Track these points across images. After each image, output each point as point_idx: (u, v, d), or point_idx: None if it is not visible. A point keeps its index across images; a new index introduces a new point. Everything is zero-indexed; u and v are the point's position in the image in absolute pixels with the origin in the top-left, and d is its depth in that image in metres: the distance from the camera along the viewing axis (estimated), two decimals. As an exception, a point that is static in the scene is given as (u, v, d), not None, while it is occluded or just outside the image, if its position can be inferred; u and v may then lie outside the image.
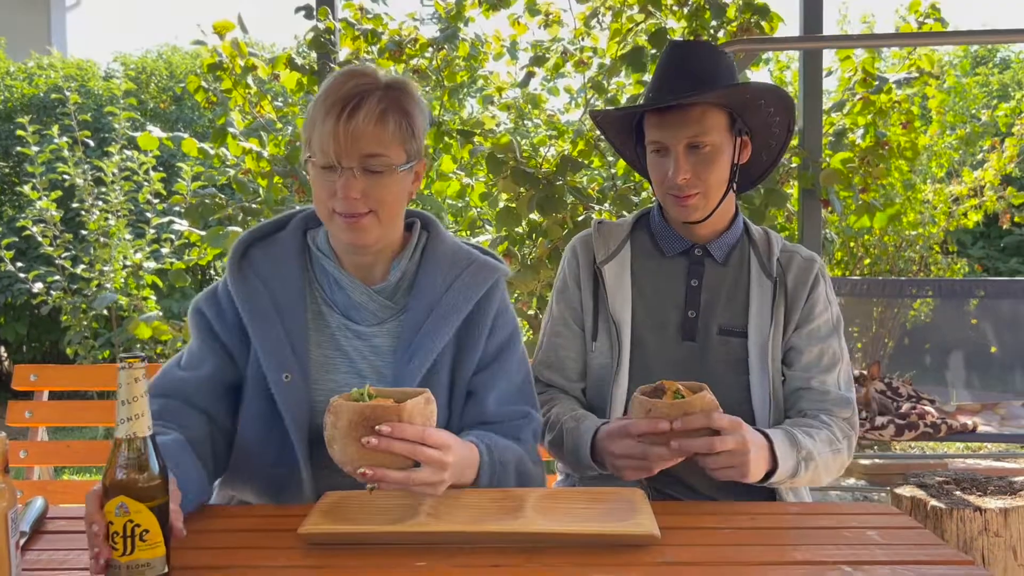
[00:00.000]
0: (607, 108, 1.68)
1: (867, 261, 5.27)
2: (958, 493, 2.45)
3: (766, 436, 1.49)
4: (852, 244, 5.23)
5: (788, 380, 1.69)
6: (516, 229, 3.77)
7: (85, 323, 5.60)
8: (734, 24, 3.78)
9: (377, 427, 1.19)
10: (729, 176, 1.68)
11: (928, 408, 3.44)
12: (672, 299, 1.72)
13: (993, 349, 3.95)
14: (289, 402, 1.46)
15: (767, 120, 1.71)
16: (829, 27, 3.70)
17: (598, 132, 3.96)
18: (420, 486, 1.24)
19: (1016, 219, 5.34)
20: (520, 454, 1.48)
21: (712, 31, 3.82)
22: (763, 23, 3.73)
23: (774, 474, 1.49)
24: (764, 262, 1.72)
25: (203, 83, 3.98)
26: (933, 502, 2.34)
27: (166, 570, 1.09)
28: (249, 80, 3.96)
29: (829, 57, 4.83)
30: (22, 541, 1.22)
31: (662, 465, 1.43)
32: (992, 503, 2.32)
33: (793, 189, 3.82)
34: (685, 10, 3.88)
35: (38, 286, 5.65)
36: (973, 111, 6.22)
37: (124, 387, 1.06)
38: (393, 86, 1.47)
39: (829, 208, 3.79)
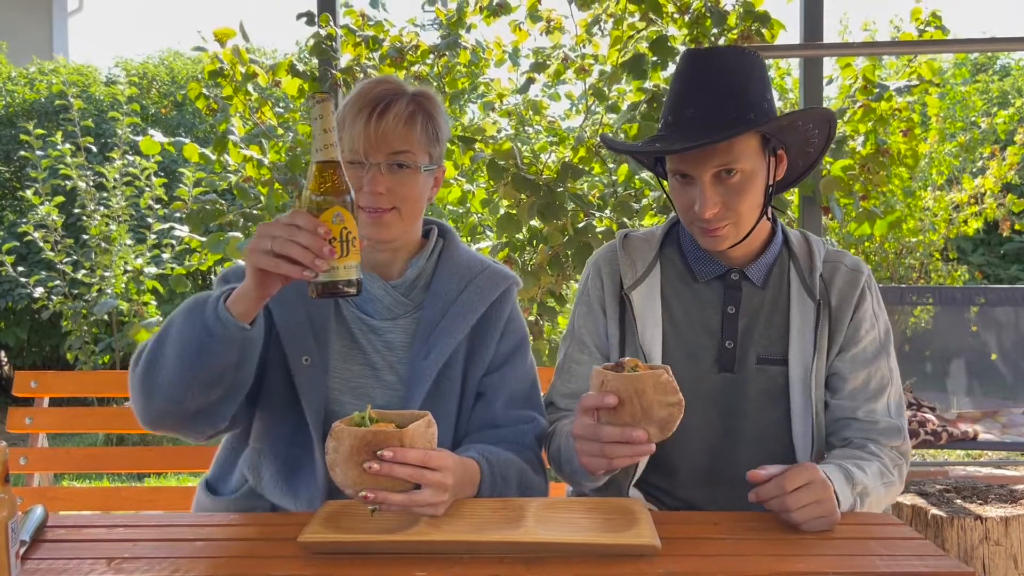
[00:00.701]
0: (619, 141, 1.59)
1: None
2: (959, 501, 2.45)
3: (829, 481, 1.36)
4: (853, 251, 5.23)
5: (832, 408, 1.57)
6: (517, 235, 3.78)
7: (86, 328, 5.61)
8: (735, 32, 3.79)
9: (379, 452, 1.19)
10: (764, 199, 1.53)
11: (929, 415, 3.44)
12: (707, 328, 1.60)
13: (994, 356, 3.95)
14: (306, 385, 1.50)
15: (805, 135, 1.56)
16: (830, 35, 3.71)
17: (598, 138, 3.97)
18: (422, 507, 1.25)
19: (1016, 226, 5.35)
20: (522, 467, 1.48)
21: (713, 38, 3.83)
22: (764, 30, 3.73)
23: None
24: (805, 278, 1.59)
25: (204, 90, 3.99)
26: (934, 510, 2.34)
27: (362, 275, 1.28)
28: (250, 87, 3.97)
29: (830, 65, 4.85)
30: (22, 550, 1.22)
31: (621, 455, 1.28)
32: (993, 512, 2.31)
33: (794, 196, 3.82)
34: (686, 17, 3.89)
35: (39, 291, 5.66)
36: (973, 118, 6.23)
37: (321, 118, 1.22)
38: (420, 93, 1.54)
39: (830, 215, 3.79)
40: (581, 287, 1.73)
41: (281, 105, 4.42)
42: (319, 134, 1.23)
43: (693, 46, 3.91)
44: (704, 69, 1.51)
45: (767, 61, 5.04)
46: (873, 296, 1.60)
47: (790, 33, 3.86)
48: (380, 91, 1.50)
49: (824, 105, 3.84)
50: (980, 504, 2.41)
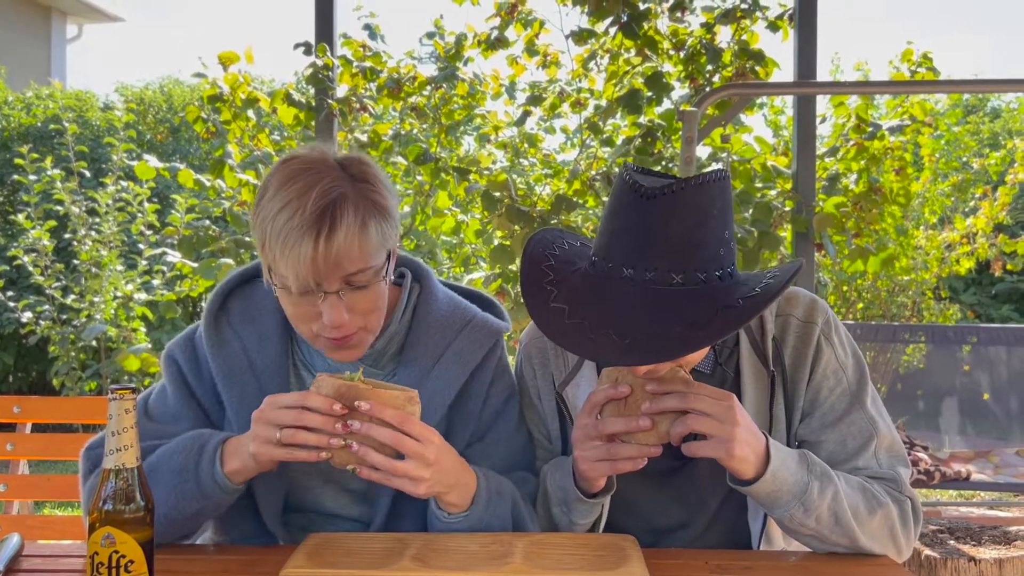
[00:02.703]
0: (552, 327, 1.24)
1: (860, 306, 5.28)
2: (952, 542, 2.42)
3: (764, 435, 1.27)
4: (845, 288, 5.24)
5: None
6: (510, 267, 3.77)
7: (73, 354, 5.56)
8: (729, 68, 3.82)
9: (357, 403, 1.18)
10: None
11: (922, 455, 3.42)
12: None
13: (986, 396, 3.94)
14: (261, 483, 1.36)
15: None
16: (823, 76, 3.75)
17: (593, 172, 3.98)
18: (401, 478, 1.21)
19: (1008, 266, 5.37)
20: (515, 492, 1.42)
21: (708, 75, 3.86)
22: (758, 68, 3.77)
23: (766, 472, 1.24)
24: (757, 341, 1.41)
25: (202, 114, 4.00)
26: (927, 551, 2.31)
27: None
28: (249, 113, 3.99)
29: (823, 104, 4.89)
30: (-5, 580, 1.19)
31: (625, 455, 1.23)
32: (987, 553, 2.29)
33: (787, 232, 3.83)
34: (681, 54, 3.93)
35: (27, 315, 5.61)
36: (965, 159, 6.29)
37: (114, 418, 1.05)
38: (356, 173, 1.28)
39: (823, 252, 3.80)
40: (516, 374, 1.56)
41: (277, 132, 4.44)
42: (107, 435, 1.06)
43: (688, 84, 3.94)
44: (650, 216, 1.20)
45: (761, 99, 5.09)
46: (834, 344, 1.40)
47: (784, 71, 3.90)
48: (316, 197, 1.21)
49: (817, 143, 3.86)
50: (974, 545, 2.38)
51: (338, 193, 1.24)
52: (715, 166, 3.86)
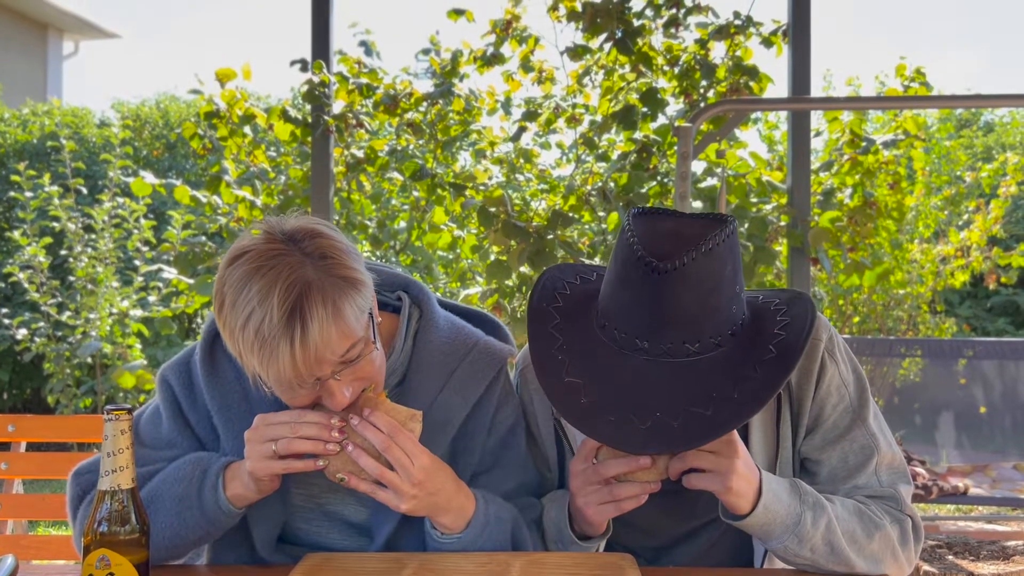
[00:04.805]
0: (571, 410, 1.23)
1: (856, 319, 5.29)
2: (951, 558, 2.42)
3: (757, 468, 1.26)
4: (841, 302, 5.25)
5: None
6: (506, 282, 3.77)
7: (68, 371, 5.54)
8: (724, 84, 3.85)
9: (351, 416, 1.21)
10: None
11: (919, 469, 3.42)
12: None
13: (983, 409, 3.94)
14: (259, 511, 1.34)
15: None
16: (814, 91, 3.78)
17: (589, 187, 4.00)
18: (386, 490, 1.22)
19: (1003, 279, 5.39)
20: (519, 517, 1.40)
21: (702, 91, 3.88)
22: (752, 84, 3.80)
23: (759, 505, 1.23)
24: None
25: (199, 130, 4.02)
26: (926, 567, 2.30)
27: None
28: (246, 129, 4.00)
29: (816, 120, 4.92)
30: (-11, 602, 1.18)
31: (628, 494, 1.22)
32: (986, 568, 2.28)
33: (782, 247, 3.85)
34: (676, 70, 3.95)
35: (22, 332, 5.60)
36: (958, 173, 6.32)
37: (110, 439, 1.05)
38: (313, 251, 1.17)
39: (818, 266, 3.81)
40: (516, 394, 1.52)
41: (273, 149, 4.45)
42: (102, 457, 1.06)
43: (683, 99, 3.96)
44: (663, 290, 1.18)
45: (756, 115, 5.12)
46: (837, 361, 1.39)
47: (778, 87, 3.92)
48: (282, 299, 1.12)
49: (812, 158, 3.87)
50: (972, 561, 2.37)
51: (302, 285, 1.13)
52: (711, 181, 3.87)
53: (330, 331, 1.14)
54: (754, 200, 3.86)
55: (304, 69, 3.79)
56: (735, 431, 1.22)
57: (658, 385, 1.19)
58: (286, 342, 1.12)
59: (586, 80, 4.17)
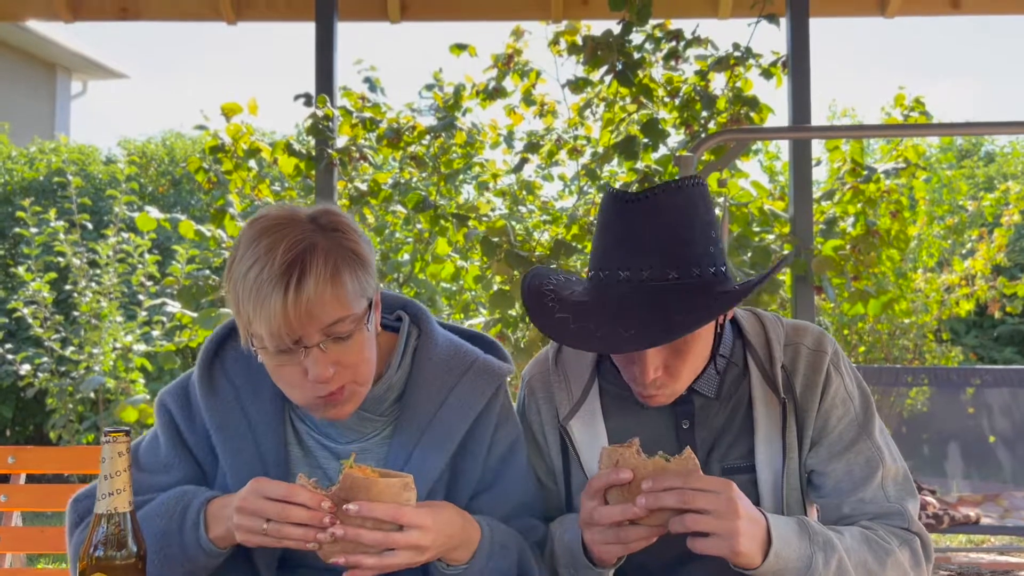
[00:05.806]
0: (556, 325, 1.30)
1: (861, 349, 5.26)
2: (964, 588, 2.37)
3: (763, 515, 1.24)
4: (846, 331, 5.23)
5: (821, 509, 1.42)
6: (509, 312, 3.77)
7: (71, 406, 5.52)
8: (724, 115, 3.87)
9: (345, 506, 1.13)
10: (713, 343, 1.37)
11: (930, 499, 3.38)
12: (661, 447, 1.34)
13: (992, 438, 3.90)
14: None
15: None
16: (816, 121, 3.80)
17: (591, 218, 4.01)
18: (396, 556, 1.17)
19: (1008, 309, 5.37)
20: (523, 544, 1.38)
21: (703, 121, 3.91)
22: (753, 114, 3.82)
23: (769, 554, 1.21)
24: (767, 370, 1.41)
25: (204, 164, 4.05)
26: (939, 597, 2.26)
27: None
28: (251, 163, 4.03)
29: (818, 149, 4.95)
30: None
31: (636, 537, 1.20)
32: (1000, 599, 2.24)
33: (786, 276, 3.84)
34: (676, 101, 3.98)
35: (25, 368, 5.59)
36: (960, 202, 6.33)
37: (107, 461, 1.04)
38: (326, 224, 1.24)
39: (822, 295, 3.80)
40: (519, 410, 1.54)
41: (277, 183, 4.47)
42: (100, 479, 1.05)
43: (683, 130, 3.99)
44: (636, 220, 1.27)
45: (756, 144, 5.15)
46: (842, 373, 1.42)
47: (779, 117, 3.95)
48: (284, 250, 1.18)
49: (814, 187, 3.89)
50: (986, 591, 2.33)
51: (307, 243, 1.20)
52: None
53: (324, 289, 1.18)
54: (756, 229, 3.87)
55: (308, 103, 3.82)
56: (734, 485, 1.20)
57: (640, 303, 1.26)
58: (280, 288, 1.16)
59: (587, 112, 4.21)
